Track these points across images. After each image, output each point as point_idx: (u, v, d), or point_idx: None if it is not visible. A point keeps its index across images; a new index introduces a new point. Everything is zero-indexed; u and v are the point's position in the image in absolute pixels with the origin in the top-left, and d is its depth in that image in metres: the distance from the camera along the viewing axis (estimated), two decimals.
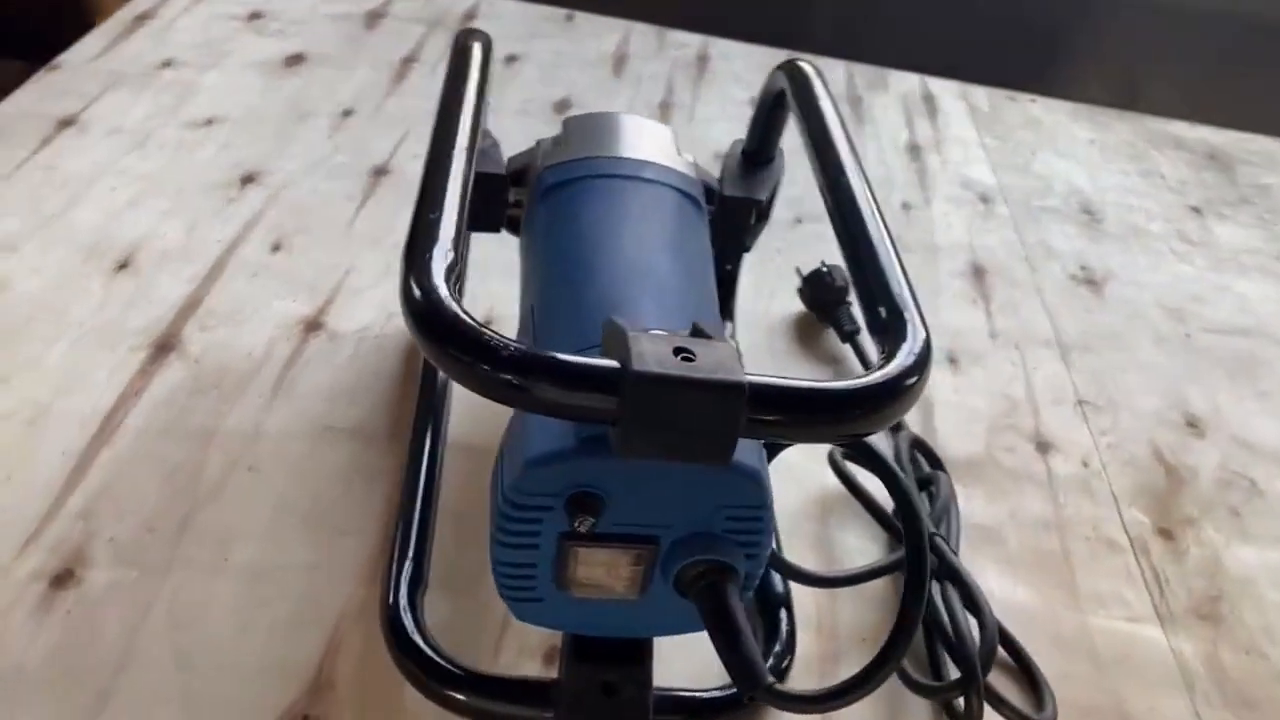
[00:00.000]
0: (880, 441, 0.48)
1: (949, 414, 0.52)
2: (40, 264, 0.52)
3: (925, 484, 0.45)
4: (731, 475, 0.29)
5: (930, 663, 0.40)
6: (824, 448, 0.45)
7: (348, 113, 0.68)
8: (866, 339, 0.55)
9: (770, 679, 0.29)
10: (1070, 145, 0.80)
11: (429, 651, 0.35)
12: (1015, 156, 0.77)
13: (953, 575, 0.39)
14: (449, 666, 0.35)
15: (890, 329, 0.30)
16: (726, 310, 0.54)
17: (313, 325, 0.51)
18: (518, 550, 0.30)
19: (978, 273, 0.63)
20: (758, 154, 0.48)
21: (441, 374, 0.36)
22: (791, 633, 0.39)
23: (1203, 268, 0.67)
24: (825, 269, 0.56)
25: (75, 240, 0.54)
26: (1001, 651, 0.40)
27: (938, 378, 0.54)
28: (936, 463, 0.47)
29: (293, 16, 0.79)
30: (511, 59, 0.78)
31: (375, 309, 0.52)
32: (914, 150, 0.75)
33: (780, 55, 0.85)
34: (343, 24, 0.79)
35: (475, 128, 0.36)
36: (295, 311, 0.52)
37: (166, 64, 0.70)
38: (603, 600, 0.31)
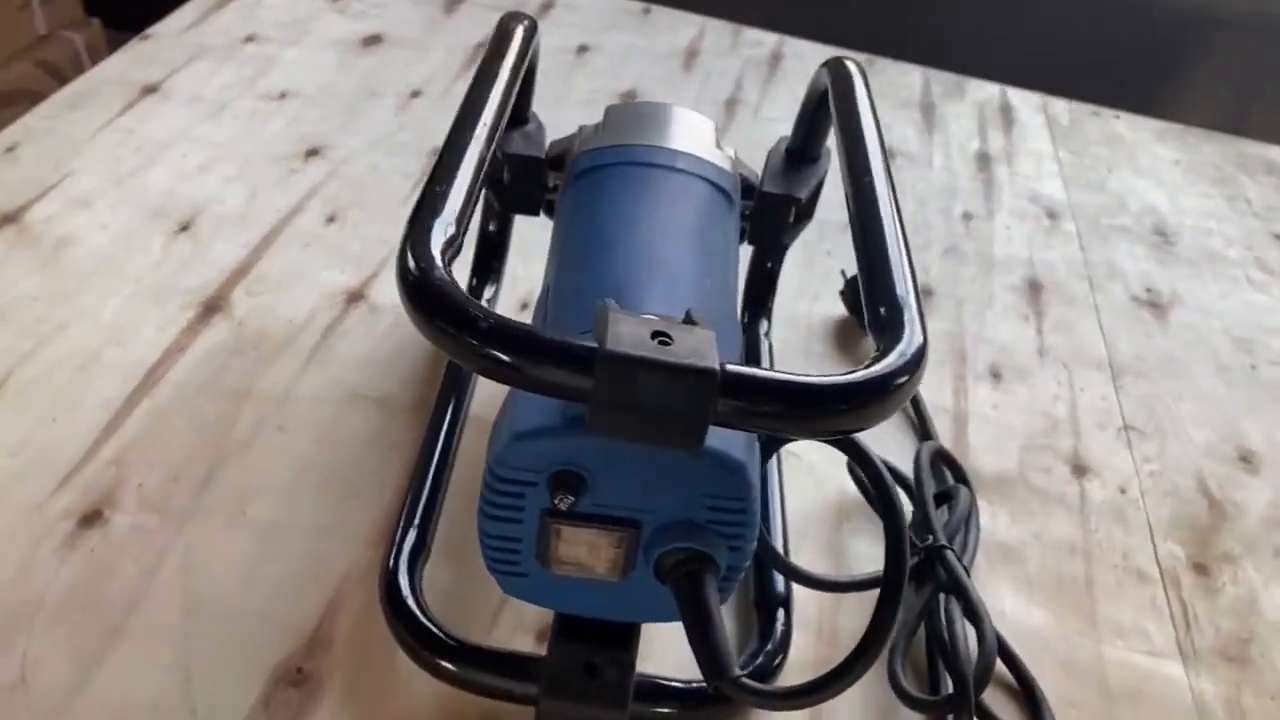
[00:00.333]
0: (874, 445, 0.47)
1: (984, 429, 0.51)
2: (109, 221, 0.55)
3: (945, 497, 0.44)
4: (714, 465, 0.29)
5: (930, 677, 0.39)
6: (829, 450, 0.44)
7: (416, 94, 0.69)
8: None
9: (736, 671, 0.29)
10: (1152, 164, 0.77)
11: (421, 618, 0.36)
12: (1090, 173, 0.74)
13: (958, 589, 0.38)
14: (440, 634, 0.35)
15: (888, 328, 0.29)
16: (763, 308, 0.53)
17: (355, 296, 0.52)
18: (502, 523, 0.31)
19: (1033, 288, 0.61)
20: (801, 152, 0.48)
21: None
22: (787, 633, 0.39)
23: (1279, 298, 0.64)
24: None
25: (143, 201, 0.57)
26: (1007, 672, 0.39)
27: (977, 391, 0.53)
28: (961, 476, 0.46)
29: None
30: (583, 49, 0.79)
31: None
32: (983, 160, 0.73)
33: (857, 58, 0.84)
34: (423, 7, 0.81)
35: (502, 109, 0.36)
36: (340, 282, 0.53)
37: (250, 38, 0.73)
38: (586, 580, 0.32)
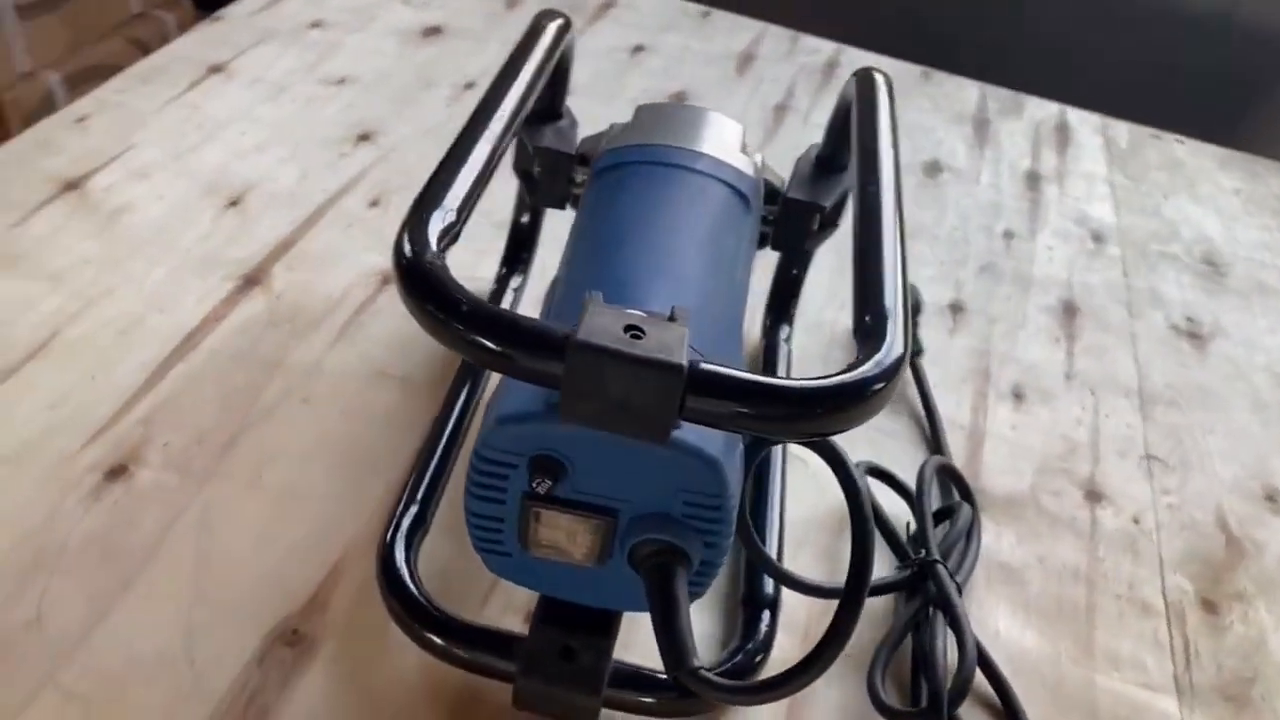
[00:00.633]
0: (883, 457, 0.47)
1: (1000, 448, 0.50)
2: (165, 193, 0.57)
3: (946, 513, 0.44)
4: (690, 460, 0.30)
5: (912, 690, 0.39)
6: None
7: (470, 85, 0.71)
8: (925, 361, 0.54)
9: (695, 663, 0.29)
10: (1211, 192, 0.75)
11: (412, 589, 0.37)
12: (1145, 198, 0.73)
13: (945, 604, 0.39)
14: (428, 606, 0.37)
15: (870, 336, 0.29)
16: (786, 314, 0.54)
17: (389, 278, 0.54)
18: (486, 503, 0.32)
19: (1068, 310, 0.61)
20: (830, 160, 0.48)
21: None
22: (770, 634, 0.39)
23: None
24: None
25: (199, 175, 0.59)
26: (991, 691, 0.39)
27: (997, 411, 0.53)
28: (966, 493, 0.45)
29: None
30: (638, 49, 0.80)
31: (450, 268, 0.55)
32: (1032, 179, 0.72)
33: (913, 70, 0.84)
34: (486, 2, 0.82)
35: (521, 103, 0.37)
36: (377, 264, 0.55)
37: (316, 24, 0.76)
38: (565, 565, 0.33)
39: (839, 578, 0.43)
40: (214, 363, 0.48)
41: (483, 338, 0.26)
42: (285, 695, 0.36)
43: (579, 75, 0.75)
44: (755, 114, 0.74)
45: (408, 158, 0.63)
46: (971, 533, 0.44)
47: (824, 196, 0.47)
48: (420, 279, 0.28)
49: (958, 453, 0.50)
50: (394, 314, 0.52)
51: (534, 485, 0.30)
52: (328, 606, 0.39)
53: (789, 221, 0.47)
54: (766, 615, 0.39)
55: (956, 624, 0.38)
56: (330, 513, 0.42)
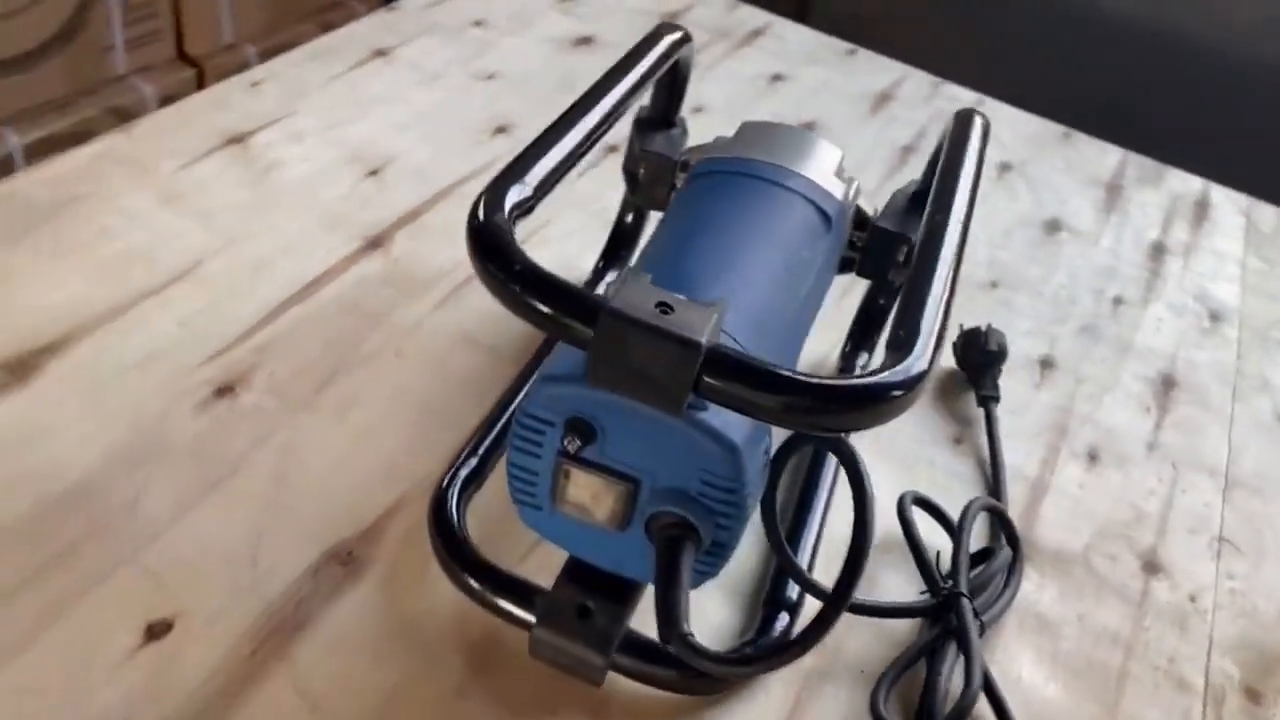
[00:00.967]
0: (940, 494, 0.47)
1: (1062, 503, 0.50)
2: (313, 156, 0.63)
3: (984, 555, 0.44)
4: (709, 441, 0.32)
5: (916, 714, 0.39)
6: (900, 489, 0.45)
7: None
8: (1003, 410, 0.54)
9: (686, 629, 0.31)
10: None
11: (456, 531, 0.40)
12: (1277, 283, 0.70)
13: (962, 636, 0.39)
14: (467, 549, 0.39)
15: (901, 347, 0.31)
16: (868, 341, 0.55)
17: None
18: (525, 456, 0.34)
19: (1166, 382, 0.59)
20: (924, 195, 0.49)
21: None
22: (784, 635, 0.40)
23: None
24: (984, 329, 0.55)
25: (347, 145, 0.65)
26: None
27: (1067, 468, 0.52)
28: (1013, 538, 0.45)
29: (601, 5, 0.87)
30: (777, 78, 0.82)
31: (554, 256, 0.59)
32: (1157, 249, 0.71)
33: (1055, 129, 0.83)
34: (639, 18, 0.86)
35: (622, 101, 0.40)
36: None
37: (478, 23, 0.81)
38: (590, 527, 0.35)
39: (865, 596, 0.44)
40: (327, 309, 0.52)
41: (530, 297, 0.29)
42: (329, 608, 0.39)
43: (713, 96, 0.79)
44: (882, 152, 0.75)
45: None
46: (1010, 578, 0.44)
47: (912, 229, 0.48)
48: (486, 239, 0.31)
49: (1017, 501, 0.50)
50: None
51: (565, 444, 0.33)
52: (382, 537, 0.42)
53: (875, 249, 0.48)
54: (785, 617, 0.41)
55: (969, 655, 0.38)
56: (400, 456, 0.46)
